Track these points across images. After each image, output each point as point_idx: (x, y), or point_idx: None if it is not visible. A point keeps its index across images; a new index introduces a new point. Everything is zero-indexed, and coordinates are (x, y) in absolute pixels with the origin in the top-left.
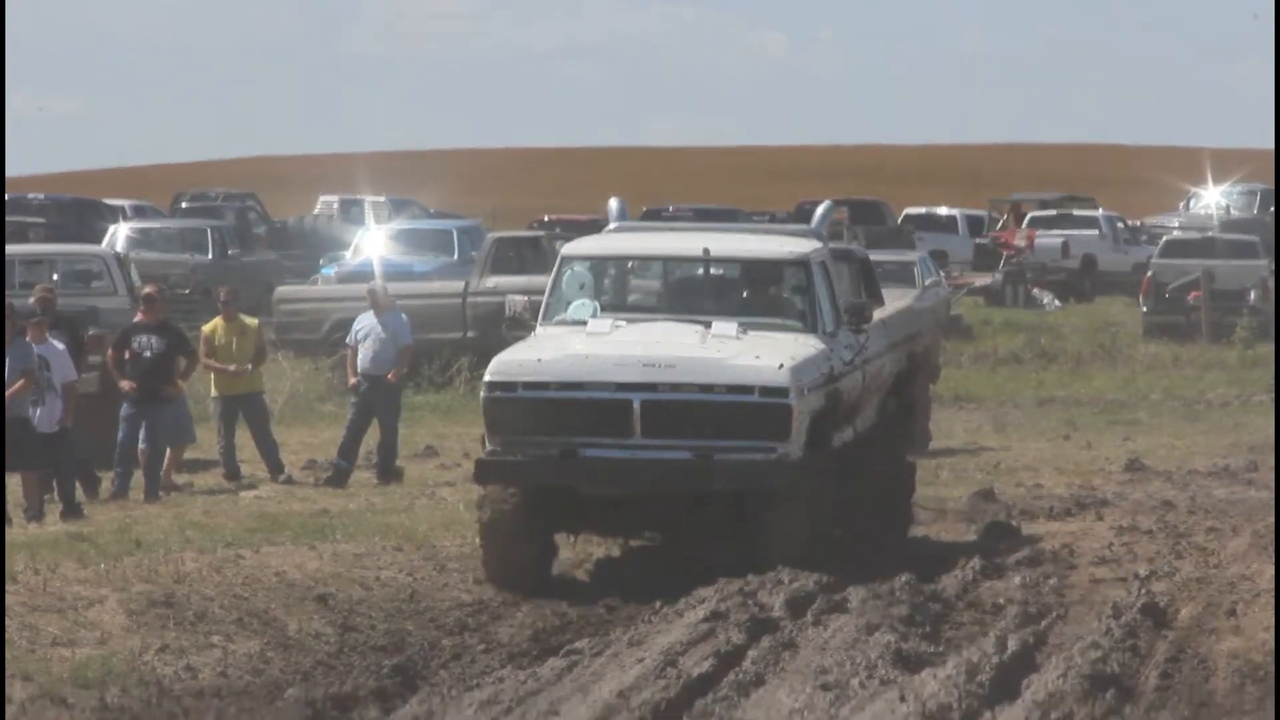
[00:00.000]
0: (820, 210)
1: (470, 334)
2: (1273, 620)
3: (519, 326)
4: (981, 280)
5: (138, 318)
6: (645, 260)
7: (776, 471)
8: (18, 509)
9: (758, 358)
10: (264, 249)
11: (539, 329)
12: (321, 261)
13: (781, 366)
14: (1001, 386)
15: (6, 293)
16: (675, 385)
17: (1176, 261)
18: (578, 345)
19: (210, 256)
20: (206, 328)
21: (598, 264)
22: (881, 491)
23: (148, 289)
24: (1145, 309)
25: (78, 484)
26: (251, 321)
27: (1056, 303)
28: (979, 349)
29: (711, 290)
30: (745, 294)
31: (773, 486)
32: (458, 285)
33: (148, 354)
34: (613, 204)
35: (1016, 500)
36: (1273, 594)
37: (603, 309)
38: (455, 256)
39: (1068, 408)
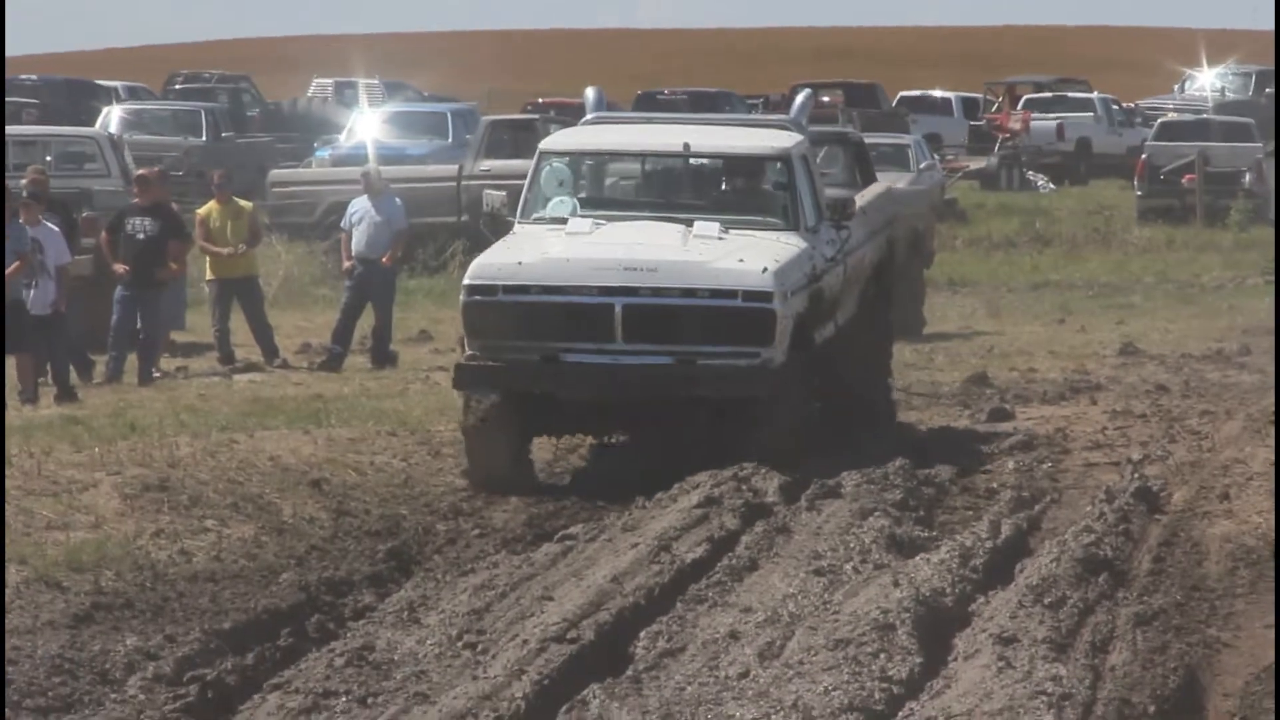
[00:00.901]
0: (800, 99)
1: (465, 218)
2: (1266, 504)
3: (497, 223)
4: (976, 164)
5: (132, 200)
6: (625, 156)
7: (760, 378)
8: (12, 392)
9: (741, 261)
10: (258, 131)
11: (517, 226)
12: (315, 144)
13: (765, 270)
14: (995, 270)
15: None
16: (657, 290)
17: (1171, 144)
18: (558, 247)
19: (204, 139)
20: (201, 210)
21: (576, 159)
22: (861, 381)
23: (141, 171)
24: (1140, 192)
25: (72, 367)
26: (246, 204)
27: (1051, 186)
28: (973, 233)
29: (692, 185)
30: (726, 189)
31: (757, 393)
32: (452, 169)
33: (141, 236)
34: (589, 93)
35: (1010, 385)
36: (1266, 477)
37: (582, 205)
38: (450, 140)
39: (1062, 292)
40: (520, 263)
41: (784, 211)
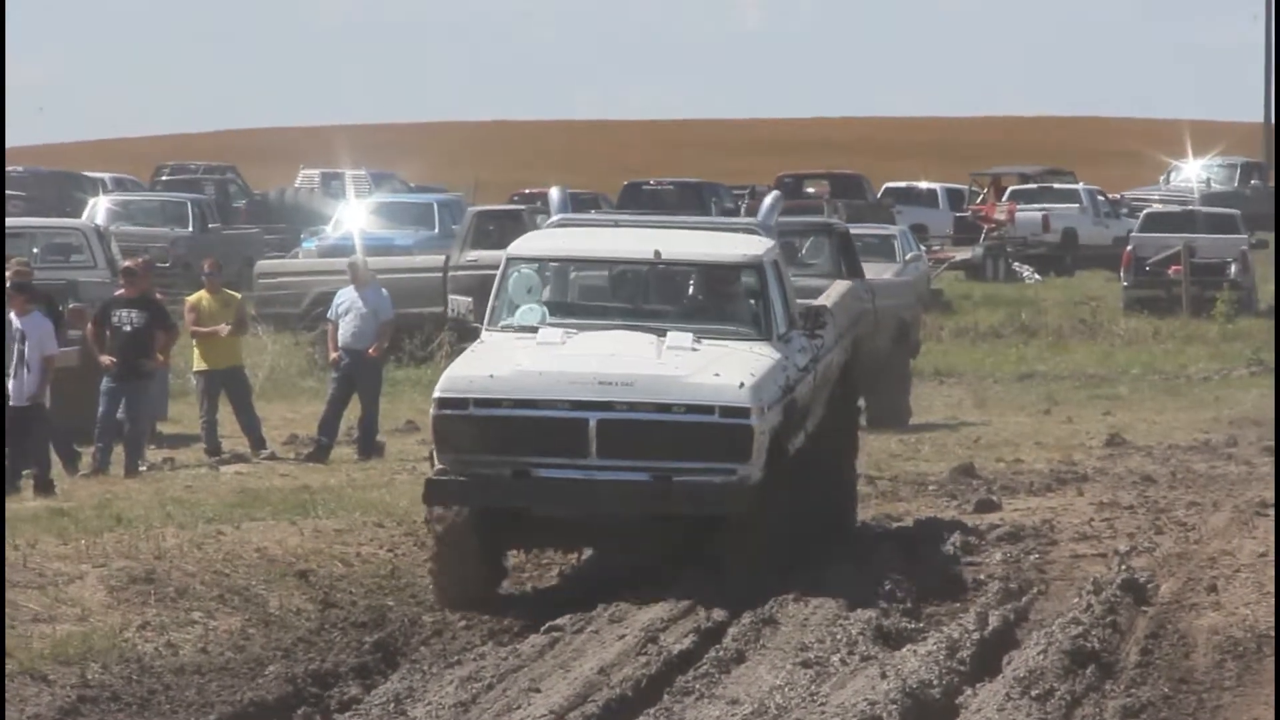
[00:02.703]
0: (768, 201)
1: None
2: (1253, 596)
3: (464, 331)
4: (962, 254)
5: (118, 291)
6: (595, 263)
7: (738, 495)
8: None
9: (717, 375)
10: (244, 222)
11: (485, 334)
12: (302, 235)
13: (742, 385)
14: (982, 361)
15: None
16: (633, 404)
17: (1157, 235)
18: (530, 360)
19: (191, 230)
20: (192, 298)
21: (545, 264)
22: (829, 484)
23: (128, 263)
24: (1126, 283)
25: (58, 459)
26: (234, 294)
27: (1037, 276)
28: (959, 323)
29: (661, 291)
30: (697, 297)
31: (734, 510)
32: (439, 259)
33: (128, 328)
34: (554, 194)
35: (997, 475)
36: (1254, 569)
37: (550, 311)
38: (436, 230)
39: (1048, 382)
40: (492, 375)
41: (755, 320)
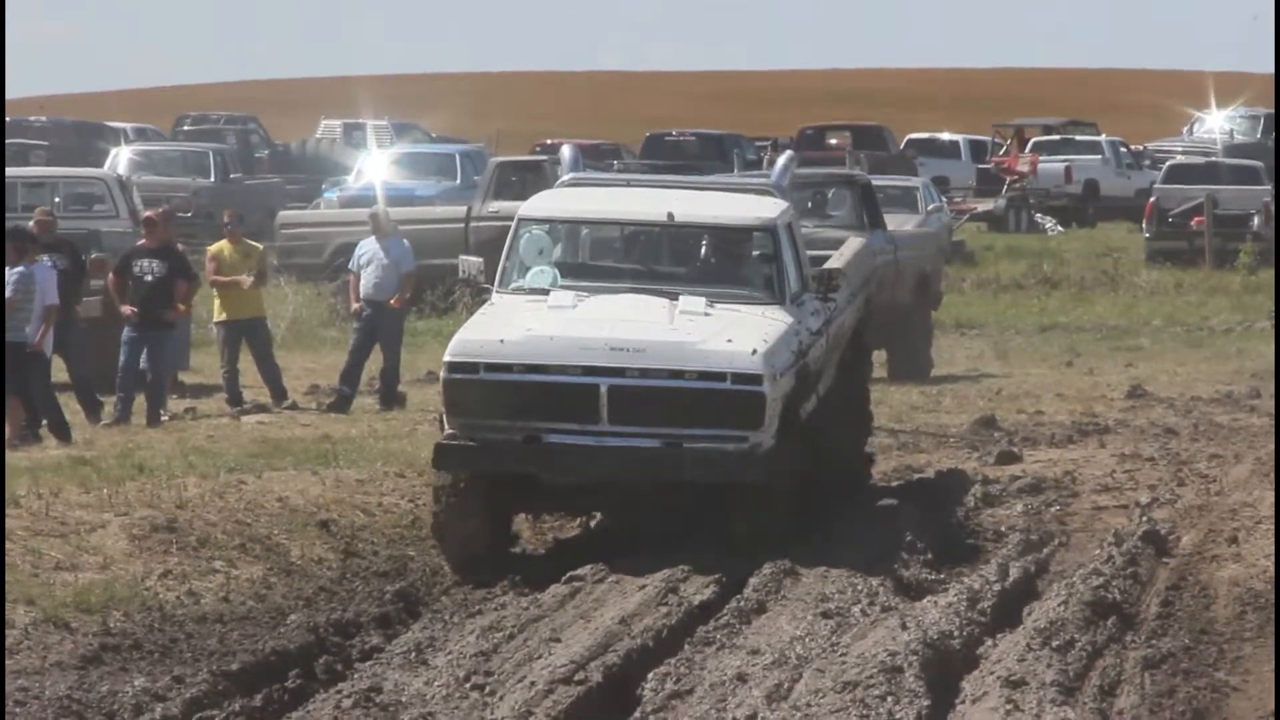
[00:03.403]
0: (781, 162)
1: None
2: (1273, 547)
3: (475, 291)
4: (984, 206)
5: (140, 242)
6: (607, 225)
7: (749, 463)
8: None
9: (729, 341)
10: (266, 173)
11: (495, 296)
12: (324, 186)
13: (754, 352)
14: (1003, 313)
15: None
16: (644, 370)
17: (1179, 187)
18: (541, 324)
19: (212, 180)
20: (213, 248)
21: (556, 225)
22: (841, 446)
23: (148, 213)
24: (1148, 234)
25: (80, 408)
26: (256, 245)
27: (1059, 228)
28: (981, 275)
29: (674, 253)
30: (710, 259)
31: (746, 479)
32: (460, 210)
33: (149, 278)
34: (565, 152)
35: (1018, 427)
36: (1274, 521)
37: (562, 273)
38: (458, 180)
39: (1070, 334)
40: (502, 340)
41: (768, 283)
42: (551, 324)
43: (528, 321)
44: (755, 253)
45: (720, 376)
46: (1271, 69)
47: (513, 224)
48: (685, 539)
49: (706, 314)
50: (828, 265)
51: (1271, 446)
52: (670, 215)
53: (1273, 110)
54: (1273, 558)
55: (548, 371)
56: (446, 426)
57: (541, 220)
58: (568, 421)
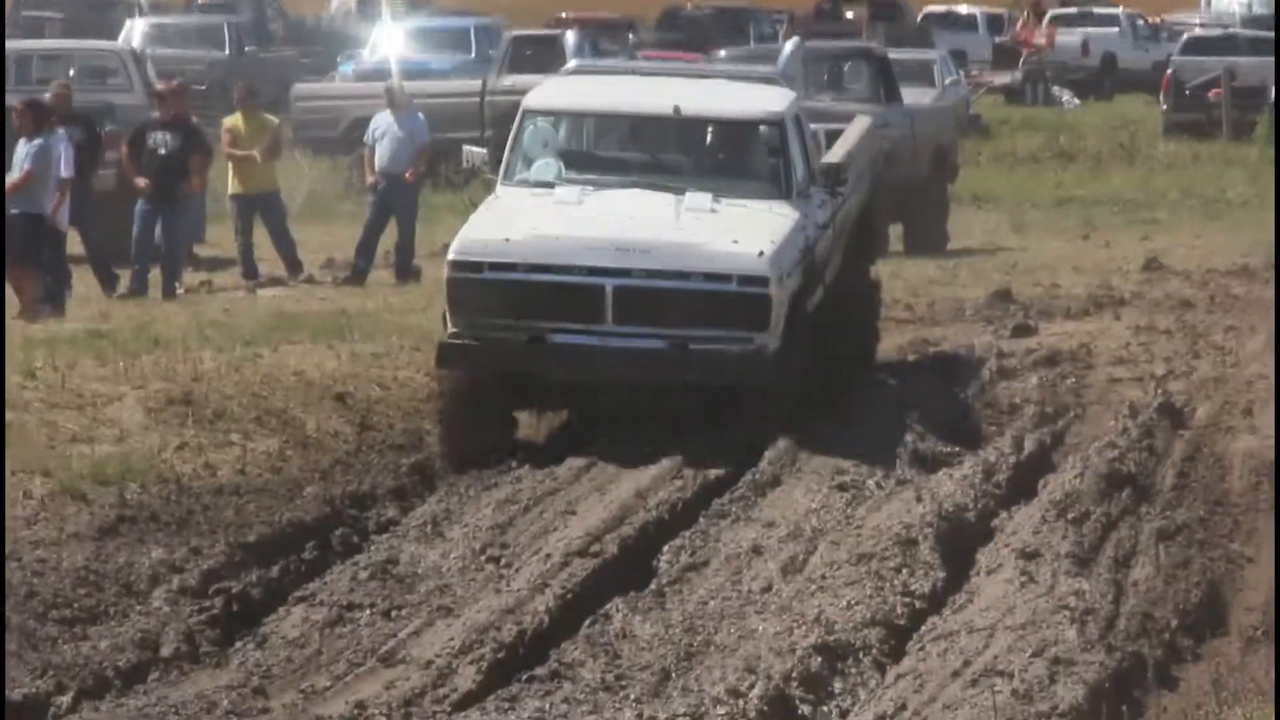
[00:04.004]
0: (788, 49)
1: (488, 133)
2: None
3: (480, 183)
4: (1001, 79)
5: (154, 114)
6: (613, 117)
7: (755, 364)
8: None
9: (735, 242)
10: (281, 46)
11: (499, 189)
12: (339, 59)
13: (761, 254)
14: (1020, 186)
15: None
16: (650, 271)
17: (1197, 59)
18: (546, 222)
19: (227, 53)
20: (228, 120)
21: (560, 117)
22: (849, 333)
23: (160, 86)
24: (1165, 107)
25: (97, 281)
26: (271, 118)
27: (1076, 101)
28: (997, 148)
29: (680, 145)
30: (716, 152)
31: (751, 380)
32: (475, 84)
33: (162, 151)
34: (570, 37)
35: (1034, 300)
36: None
37: (567, 164)
38: (473, 54)
39: (1086, 207)
40: (507, 239)
41: (775, 177)
42: (557, 222)
43: (533, 219)
44: (762, 146)
45: (726, 278)
46: None
47: (517, 115)
48: (700, 416)
49: (713, 211)
50: (833, 159)
51: None
52: (676, 109)
53: None
54: None
55: (553, 271)
56: (450, 325)
57: (546, 112)
58: (572, 321)
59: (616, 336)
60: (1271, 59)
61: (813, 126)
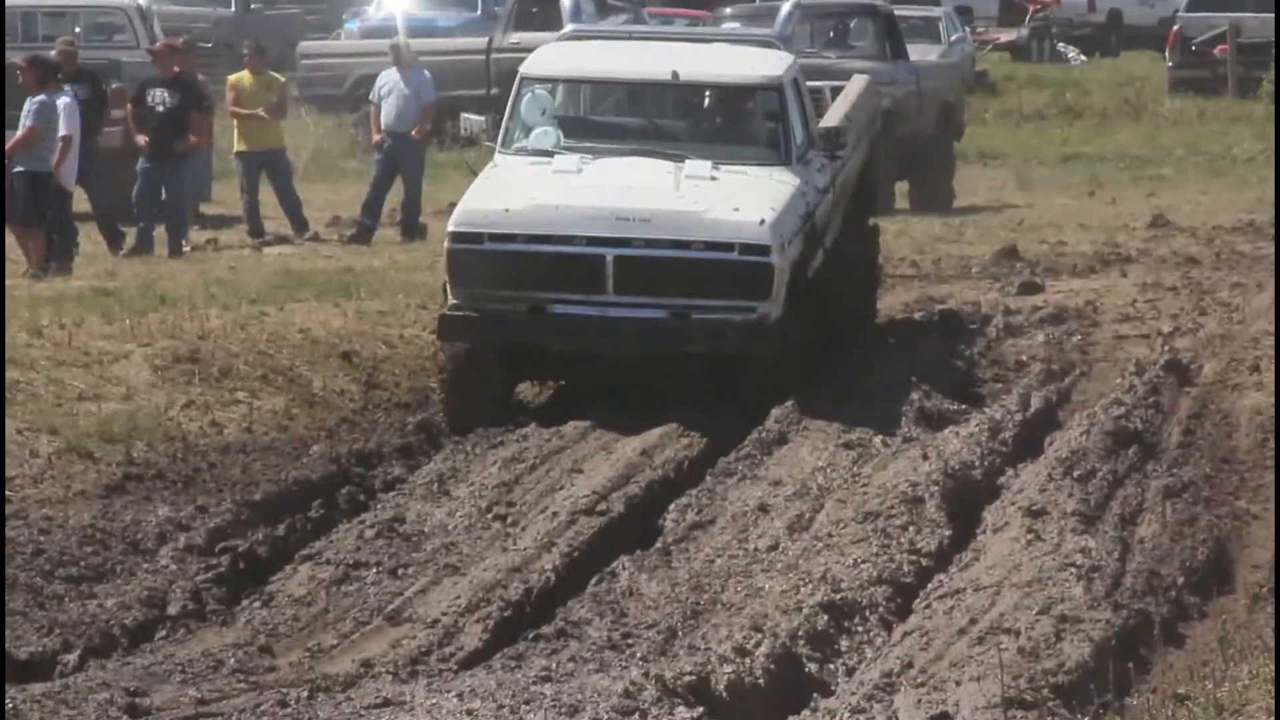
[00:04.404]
0: (785, 9)
1: (494, 91)
2: None
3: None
4: (1007, 36)
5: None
6: (611, 84)
7: (757, 333)
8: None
9: (736, 210)
10: (287, 3)
11: (498, 157)
12: (344, 16)
13: (762, 222)
14: (1026, 143)
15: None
16: (650, 241)
17: (1203, 15)
18: (546, 192)
19: (233, 10)
20: (233, 78)
21: (558, 84)
22: (850, 294)
23: (158, 43)
24: (1171, 63)
25: (102, 239)
26: (277, 76)
27: (1082, 57)
28: (1004, 105)
29: (679, 110)
30: (715, 118)
31: (754, 350)
32: (481, 41)
33: (160, 108)
34: (566, 1)
35: (1040, 258)
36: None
37: (565, 131)
38: (479, 12)
39: (1092, 164)
40: (507, 209)
41: (774, 142)
42: (556, 192)
43: (532, 188)
44: (761, 111)
45: (727, 247)
46: None
47: (515, 82)
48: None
49: (713, 178)
50: (831, 122)
51: None
52: (675, 74)
53: None
54: None
55: (553, 242)
56: (450, 296)
57: (544, 79)
58: (573, 292)
59: (617, 306)
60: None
61: (818, 84)
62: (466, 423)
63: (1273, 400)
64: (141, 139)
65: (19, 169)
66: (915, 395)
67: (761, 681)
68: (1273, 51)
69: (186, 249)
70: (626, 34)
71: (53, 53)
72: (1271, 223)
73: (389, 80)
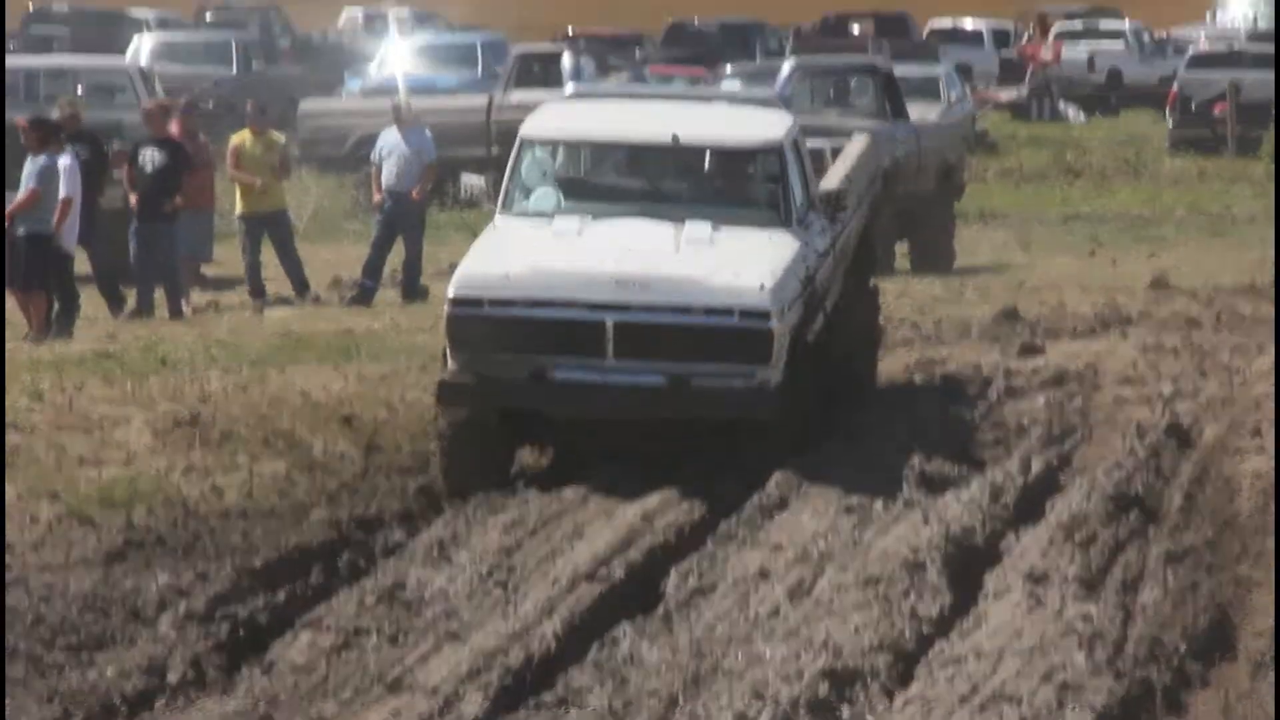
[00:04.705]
0: (785, 70)
1: (495, 150)
2: None
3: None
4: (1007, 95)
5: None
6: (612, 146)
7: (758, 399)
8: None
9: (736, 275)
10: (288, 63)
11: (498, 219)
12: (346, 76)
13: (762, 287)
14: (1026, 202)
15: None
16: (650, 306)
17: (1203, 74)
18: (546, 255)
19: (234, 70)
20: (235, 138)
21: (558, 146)
22: (851, 355)
23: (148, 104)
24: (1171, 122)
25: (103, 301)
26: (279, 137)
27: (1082, 116)
28: (1004, 164)
29: (678, 171)
30: (715, 179)
31: (754, 415)
32: (482, 101)
33: (149, 169)
34: (566, 60)
35: (1040, 318)
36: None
37: (565, 192)
38: (479, 71)
39: (1092, 224)
40: (507, 274)
41: (774, 204)
42: (556, 255)
43: (532, 252)
44: (761, 173)
45: (727, 312)
46: None
47: (515, 144)
48: (706, 440)
49: (713, 241)
50: (831, 184)
51: None
52: (675, 137)
53: None
54: None
55: (553, 306)
56: (450, 361)
57: (544, 141)
58: (573, 356)
59: (617, 371)
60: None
61: (818, 143)
62: (467, 488)
63: (1274, 464)
64: (133, 199)
65: (21, 231)
66: (916, 458)
67: None
68: (1273, 111)
69: (187, 310)
70: (627, 94)
71: (55, 113)
72: (1273, 284)
73: (390, 140)
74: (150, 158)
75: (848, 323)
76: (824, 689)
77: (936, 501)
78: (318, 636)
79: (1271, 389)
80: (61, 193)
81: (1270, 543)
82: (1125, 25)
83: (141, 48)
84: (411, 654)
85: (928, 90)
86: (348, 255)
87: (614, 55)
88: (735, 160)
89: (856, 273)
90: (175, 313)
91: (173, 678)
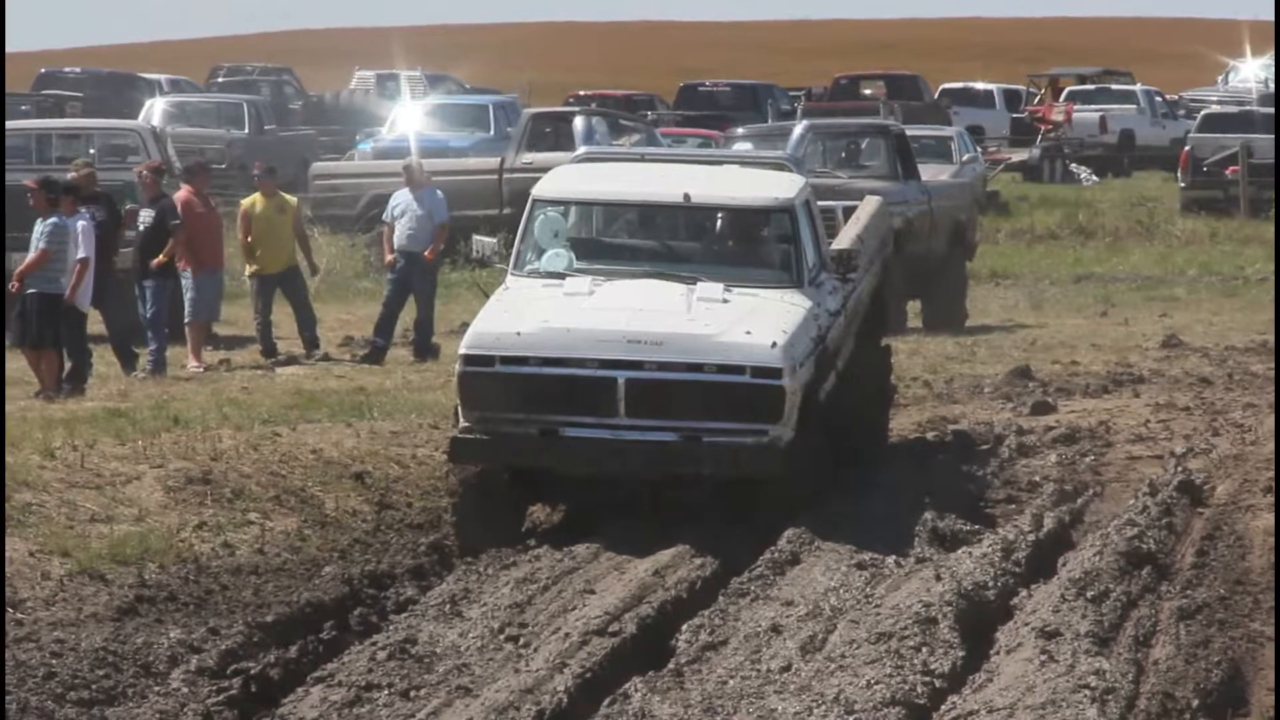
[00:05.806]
0: (797, 132)
1: (507, 210)
2: None
3: (491, 275)
4: (1018, 156)
5: (178, 194)
6: (623, 206)
7: (769, 457)
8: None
9: (748, 333)
10: (300, 124)
11: (510, 279)
12: (358, 137)
13: (774, 345)
14: (1038, 263)
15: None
16: (662, 364)
17: (1214, 136)
18: (557, 315)
19: (246, 131)
20: (245, 202)
21: (570, 206)
22: (862, 414)
23: (139, 166)
24: (1183, 184)
25: (116, 360)
26: (291, 200)
27: (1094, 178)
28: (1016, 225)
29: (690, 232)
30: (727, 240)
31: (765, 473)
32: (494, 161)
33: (142, 228)
34: (578, 123)
35: (1053, 378)
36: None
37: (577, 252)
38: (491, 132)
39: (1104, 284)
40: (519, 333)
41: (786, 264)
42: (568, 314)
43: (544, 311)
44: (773, 233)
45: (739, 370)
46: None
47: (527, 205)
48: (718, 495)
49: (724, 300)
50: (843, 244)
51: None
52: (686, 196)
53: None
54: None
55: (565, 365)
56: (462, 419)
57: (556, 201)
58: (584, 414)
59: (629, 429)
60: None
61: (830, 204)
62: (479, 544)
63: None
64: (131, 260)
65: (31, 290)
66: (928, 515)
67: None
68: None
69: (140, 375)
70: (639, 155)
71: (70, 174)
72: None
73: (402, 200)
74: (144, 218)
75: (860, 381)
76: None
77: (949, 558)
78: (329, 692)
79: None
80: (80, 253)
81: None
82: (1137, 87)
83: (154, 110)
84: (423, 709)
85: (940, 151)
86: (359, 315)
87: (626, 117)
88: (747, 220)
89: (868, 332)
90: (158, 368)
91: None
